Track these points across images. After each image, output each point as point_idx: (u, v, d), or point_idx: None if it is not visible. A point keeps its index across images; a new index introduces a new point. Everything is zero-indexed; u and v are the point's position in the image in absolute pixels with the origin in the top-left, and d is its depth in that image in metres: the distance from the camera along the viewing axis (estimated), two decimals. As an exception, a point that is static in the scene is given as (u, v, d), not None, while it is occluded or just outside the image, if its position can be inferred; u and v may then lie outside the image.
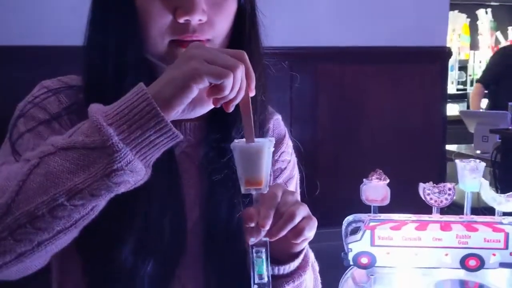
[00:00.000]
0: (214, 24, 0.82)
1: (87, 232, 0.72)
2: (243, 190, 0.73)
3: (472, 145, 3.27)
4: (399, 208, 1.04)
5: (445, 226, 1.02)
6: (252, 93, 0.73)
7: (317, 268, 1.01)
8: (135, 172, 0.66)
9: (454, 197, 1.04)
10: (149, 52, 0.82)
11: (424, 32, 2.41)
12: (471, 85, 5.93)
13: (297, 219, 0.74)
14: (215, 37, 0.83)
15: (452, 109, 4.75)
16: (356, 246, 1.02)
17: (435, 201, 1.04)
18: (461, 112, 3.96)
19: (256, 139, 0.73)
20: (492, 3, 6.15)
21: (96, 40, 0.84)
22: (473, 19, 6.15)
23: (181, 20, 0.79)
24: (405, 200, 1.07)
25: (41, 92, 0.85)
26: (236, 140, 0.74)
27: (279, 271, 0.83)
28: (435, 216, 1.04)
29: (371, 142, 2.37)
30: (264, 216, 0.71)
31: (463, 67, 6.01)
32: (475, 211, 1.07)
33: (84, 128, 0.66)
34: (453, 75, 5.87)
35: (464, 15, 6.07)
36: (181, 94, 0.66)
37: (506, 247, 1.00)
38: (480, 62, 5.93)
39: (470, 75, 6.00)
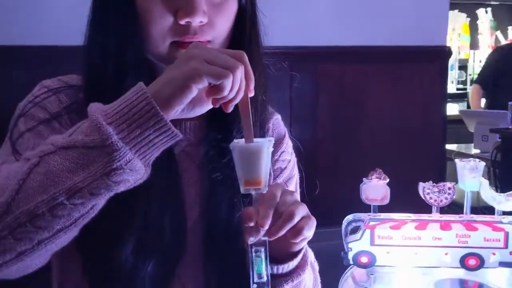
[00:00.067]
0: (215, 25, 0.82)
1: (88, 231, 0.72)
2: (242, 190, 0.73)
3: (472, 144, 3.27)
4: (399, 207, 1.04)
5: (445, 226, 1.02)
6: (251, 94, 0.73)
7: (316, 267, 1.01)
8: (134, 171, 0.66)
9: (454, 197, 1.04)
10: (150, 52, 0.82)
11: (424, 32, 2.41)
12: (471, 84, 5.93)
13: (296, 219, 0.74)
14: (216, 38, 0.83)
15: (452, 109, 4.76)
16: (356, 245, 1.02)
17: (435, 200, 1.04)
18: (461, 111, 3.96)
19: (255, 139, 0.73)
20: (492, 3, 6.15)
21: (96, 40, 0.84)
22: (473, 19, 6.15)
23: (182, 22, 0.79)
24: (405, 200, 1.07)
25: (42, 92, 0.86)
26: (235, 140, 0.74)
27: (278, 270, 0.83)
28: (435, 215, 1.04)
29: (371, 141, 2.37)
30: (263, 215, 0.71)
31: (463, 66, 6.01)
32: (475, 210, 1.07)
33: (84, 127, 0.67)
34: (453, 74, 5.87)
35: (464, 15, 6.07)
36: (181, 94, 0.67)
37: (506, 246, 1.01)
38: (480, 61, 5.92)
39: (470, 75, 6.00)
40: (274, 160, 0.99)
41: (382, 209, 1.04)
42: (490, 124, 2.99)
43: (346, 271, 1.06)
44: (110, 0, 0.82)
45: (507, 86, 3.79)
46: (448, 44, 2.57)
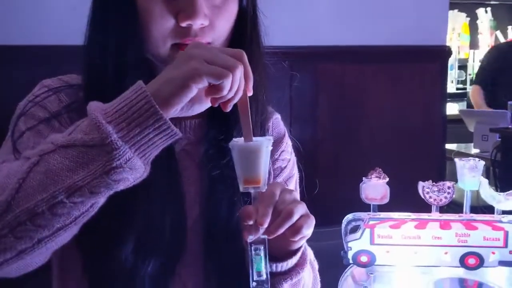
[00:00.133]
0: (215, 28, 0.82)
1: (88, 230, 0.72)
2: (241, 188, 0.74)
3: (472, 144, 3.27)
4: (399, 206, 1.04)
5: (445, 225, 1.02)
6: (250, 93, 0.73)
7: (316, 266, 1.01)
8: (134, 170, 0.67)
9: (454, 196, 1.04)
10: (150, 53, 0.83)
11: (424, 31, 2.41)
12: (471, 84, 5.92)
13: (295, 217, 0.74)
14: (216, 40, 0.83)
15: (452, 108, 4.75)
16: (355, 244, 1.02)
17: (435, 199, 1.04)
18: (460, 111, 3.95)
19: (254, 138, 0.73)
20: (492, 2, 6.15)
21: (96, 39, 0.85)
22: (473, 18, 6.15)
23: (184, 24, 0.79)
24: (405, 199, 1.07)
25: (42, 91, 0.86)
26: (234, 139, 0.74)
27: (277, 268, 0.83)
28: (435, 214, 1.05)
29: (371, 141, 2.37)
30: (262, 214, 0.72)
31: (462, 66, 6.01)
32: (474, 209, 1.07)
33: (83, 126, 0.67)
34: (452, 74, 5.86)
35: (463, 14, 6.07)
36: (180, 93, 0.67)
37: (506, 246, 1.01)
38: (480, 61, 5.92)
39: (469, 74, 6.00)
40: (274, 159, 0.99)
41: (381, 208, 1.05)
42: (490, 123, 2.99)
43: (346, 270, 1.06)
44: (111, 0, 0.83)
45: (506, 85, 3.79)
46: (448, 44, 2.57)
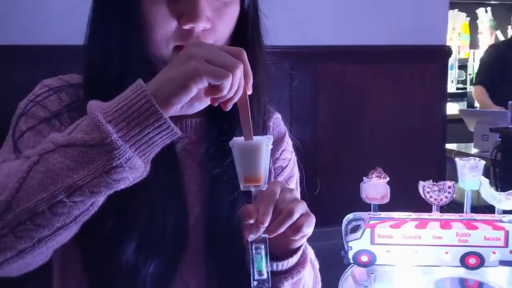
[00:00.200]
0: (217, 30, 0.82)
1: (89, 230, 0.72)
2: (242, 187, 0.74)
3: (472, 144, 3.27)
4: (399, 206, 1.04)
5: (445, 224, 1.02)
6: (249, 91, 0.73)
7: (317, 266, 1.01)
8: (134, 169, 0.67)
9: (454, 195, 1.04)
10: (151, 54, 0.82)
11: (424, 31, 2.41)
12: (471, 84, 5.92)
13: (296, 216, 0.74)
14: (217, 41, 0.83)
15: (452, 108, 4.75)
16: (356, 244, 1.02)
17: (435, 199, 1.04)
18: (461, 111, 3.95)
19: (254, 137, 0.73)
20: (492, 2, 6.15)
21: (97, 39, 0.85)
22: (473, 18, 6.15)
23: (186, 27, 0.79)
24: (405, 199, 1.07)
25: (42, 91, 0.86)
26: (235, 138, 0.74)
27: (278, 267, 0.83)
28: (435, 214, 1.05)
29: (371, 141, 2.36)
30: (263, 213, 0.72)
31: (463, 66, 6.01)
32: (475, 209, 1.07)
33: (83, 125, 0.67)
34: (453, 74, 5.86)
35: (464, 14, 6.07)
36: (180, 93, 0.67)
37: (506, 245, 1.01)
38: (479, 61, 5.92)
39: (470, 74, 5.99)
40: (274, 158, 0.99)
41: (382, 208, 1.05)
42: (490, 123, 2.98)
43: (347, 270, 1.06)
44: (112, 1, 0.82)
45: (507, 83, 3.78)
46: (448, 44, 2.57)
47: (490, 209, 1.08)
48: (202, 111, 0.79)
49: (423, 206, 1.05)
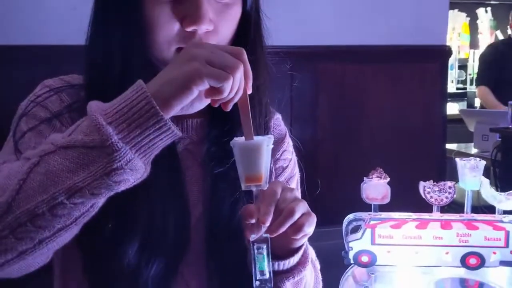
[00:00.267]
0: (219, 32, 0.82)
1: (90, 232, 0.72)
2: (243, 186, 0.74)
3: (472, 144, 3.26)
4: (400, 206, 1.04)
5: (446, 225, 1.02)
6: (249, 91, 0.73)
7: (318, 266, 1.01)
8: (135, 170, 0.67)
9: (455, 196, 1.04)
10: (154, 56, 0.82)
11: (424, 31, 2.41)
12: (471, 84, 5.92)
13: (297, 215, 0.74)
14: (219, 43, 0.83)
15: (452, 108, 4.75)
16: (356, 244, 1.02)
17: (436, 199, 1.04)
18: (461, 111, 3.94)
19: (255, 137, 0.73)
20: (492, 2, 6.15)
21: (99, 40, 0.84)
22: (473, 18, 6.15)
23: (189, 29, 0.79)
24: (406, 199, 1.07)
25: (43, 91, 0.86)
26: (235, 138, 0.74)
27: (279, 267, 0.83)
28: (436, 214, 1.04)
29: (371, 141, 2.36)
30: (264, 212, 0.72)
31: (463, 66, 6.01)
32: (475, 209, 1.07)
33: (84, 127, 0.66)
34: (453, 74, 5.86)
35: (464, 14, 6.07)
36: (181, 95, 0.67)
37: (507, 246, 1.01)
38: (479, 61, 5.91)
39: (470, 74, 5.99)
40: (275, 159, 0.99)
41: (382, 208, 1.05)
42: (490, 123, 2.98)
43: (347, 270, 1.06)
44: (115, 2, 0.82)
45: (507, 82, 3.77)
46: (448, 44, 2.57)
47: (490, 209, 1.08)
48: (203, 111, 0.79)
49: (424, 206, 1.05)
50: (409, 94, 2.41)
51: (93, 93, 0.81)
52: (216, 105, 0.72)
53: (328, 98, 2.33)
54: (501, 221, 1.02)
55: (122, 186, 0.67)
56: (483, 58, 4.14)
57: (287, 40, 2.12)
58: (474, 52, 6.03)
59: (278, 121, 1.03)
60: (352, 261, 1.03)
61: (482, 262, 1.01)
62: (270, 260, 0.76)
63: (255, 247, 0.75)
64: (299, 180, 1.05)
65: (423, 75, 2.43)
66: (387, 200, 1.03)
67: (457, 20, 6.00)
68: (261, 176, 0.73)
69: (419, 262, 1.02)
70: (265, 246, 0.75)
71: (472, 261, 1.01)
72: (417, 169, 2.32)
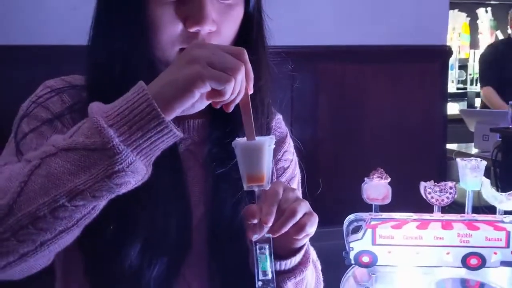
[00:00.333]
0: (222, 32, 0.82)
1: (91, 233, 0.72)
2: (245, 187, 0.74)
3: (473, 144, 3.26)
4: (400, 207, 1.04)
5: (447, 225, 1.02)
6: (250, 91, 0.73)
7: (319, 266, 1.01)
8: (136, 173, 0.66)
9: (455, 196, 1.04)
10: (156, 56, 0.82)
11: (425, 31, 2.41)
12: (471, 84, 5.92)
13: (299, 215, 0.75)
14: (221, 43, 0.83)
15: (452, 108, 4.75)
16: (357, 245, 1.02)
17: (436, 199, 1.04)
18: (461, 111, 3.94)
19: (257, 137, 0.73)
20: (492, 2, 6.15)
21: (101, 41, 0.84)
22: (473, 18, 6.15)
23: (192, 30, 0.79)
24: (406, 199, 1.07)
25: (44, 92, 0.85)
26: (237, 138, 0.74)
27: (281, 267, 0.83)
28: (436, 215, 1.04)
29: (372, 141, 2.36)
30: (267, 213, 0.72)
31: (463, 66, 6.01)
32: (476, 209, 1.07)
33: (85, 129, 0.66)
34: (453, 74, 5.86)
35: (464, 14, 6.07)
36: (182, 97, 0.66)
37: (508, 246, 1.00)
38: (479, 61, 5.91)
39: (470, 74, 6.00)
40: (276, 159, 0.99)
41: (383, 208, 1.04)
42: (490, 123, 2.98)
43: (348, 270, 1.06)
44: (117, 2, 0.82)
45: (509, 82, 3.77)
46: (448, 44, 2.57)
47: (491, 209, 1.07)
48: (205, 112, 0.79)
49: (424, 206, 1.05)
50: (409, 94, 2.41)
51: (95, 93, 0.81)
52: (218, 107, 0.72)
53: (328, 98, 2.33)
54: (502, 222, 1.02)
55: (123, 189, 0.67)
56: (483, 59, 4.13)
57: (287, 40, 2.12)
58: (474, 52, 6.04)
59: (279, 122, 1.03)
60: (353, 262, 1.03)
61: (483, 262, 1.01)
62: (273, 260, 0.76)
63: (257, 247, 0.75)
64: (300, 181, 1.05)
65: (423, 75, 2.43)
66: (388, 201, 1.03)
67: (457, 20, 6.00)
68: (263, 176, 0.73)
69: (420, 262, 1.02)
70: (267, 246, 0.75)
71: (473, 261, 1.01)
72: (418, 169, 2.32)
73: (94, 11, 0.85)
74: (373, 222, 1.02)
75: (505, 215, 1.04)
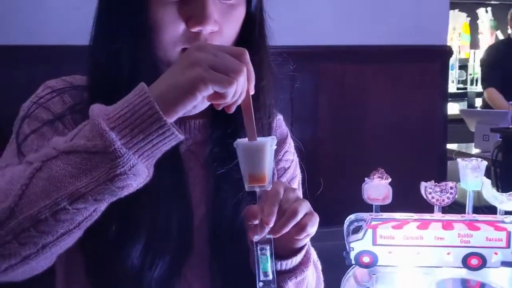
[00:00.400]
0: (224, 33, 0.82)
1: (93, 235, 0.72)
2: (247, 187, 0.74)
3: (473, 144, 3.26)
4: (401, 207, 1.04)
5: (447, 225, 1.02)
6: (252, 92, 0.73)
7: (319, 267, 1.01)
8: (138, 175, 0.66)
9: (456, 196, 1.04)
10: (159, 57, 0.82)
11: (425, 31, 2.41)
12: (471, 84, 5.92)
13: (300, 216, 0.75)
14: (223, 44, 0.83)
15: (453, 108, 4.75)
16: (358, 245, 1.02)
17: (437, 200, 1.04)
18: (461, 111, 3.94)
19: (258, 138, 0.73)
20: (492, 2, 6.15)
21: (103, 41, 0.84)
22: (473, 18, 6.15)
23: (194, 30, 0.79)
24: (407, 199, 1.07)
25: (45, 93, 0.85)
26: (239, 139, 0.74)
27: (282, 266, 0.83)
28: (437, 215, 1.04)
29: (372, 141, 2.36)
30: (268, 213, 0.72)
31: (463, 66, 6.01)
32: (476, 210, 1.07)
33: (86, 131, 0.66)
34: (453, 74, 5.86)
35: (464, 14, 6.07)
36: (184, 101, 0.66)
37: (508, 246, 1.00)
38: (481, 62, 5.90)
39: (470, 74, 6.00)
40: (277, 160, 0.99)
41: (384, 208, 1.04)
42: (490, 123, 2.98)
43: (348, 271, 1.06)
44: (119, 3, 0.82)
45: (509, 82, 3.76)
46: (448, 44, 2.56)
47: (491, 209, 1.07)
48: (206, 112, 0.79)
49: (425, 207, 1.05)
50: (410, 94, 2.41)
51: (97, 94, 0.81)
52: (220, 108, 0.72)
53: (328, 98, 2.33)
54: (503, 222, 1.02)
55: (125, 191, 0.67)
56: (485, 60, 4.13)
57: (286, 40, 2.11)
58: (474, 52, 6.04)
59: (279, 122, 1.03)
60: (353, 262, 1.03)
61: (483, 262, 1.01)
62: (274, 260, 0.76)
63: (258, 248, 0.75)
64: (300, 181, 1.05)
65: (424, 75, 2.43)
66: (388, 201, 1.03)
67: (458, 20, 6.00)
68: (265, 177, 0.73)
69: (420, 262, 1.02)
70: (268, 247, 0.75)
71: (474, 261, 1.01)
72: (418, 169, 2.32)
73: (96, 11, 0.85)
74: (373, 222, 1.02)
75: (505, 215, 1.04)
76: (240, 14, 0.84)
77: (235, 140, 0.74)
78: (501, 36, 6.00)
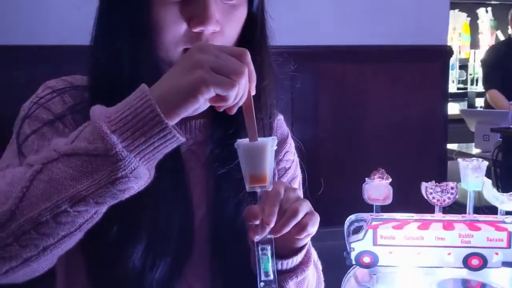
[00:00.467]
0: (225, 33, 0.82)
1: (94, 237, 0.72)
2: (247, 188, 0.74)
3: (473, 144, 3.26)
4: (401, 207, 1.04)
5: (448, 225, 1.02)
6: (253, 92, 0.73)
7: (320, 267, 1.01)
8: (139, 178, 0.66)
9: (457, 196, 1.04)
10: (160, 57, 0.82)
11: (425, 31, 2.41)
12: (472, 84, 5.92)
13: (300, 215, 0.74)
14: (224, 44, 0.82)
15: (453, 108, 4.75)
16: (358, 245, 1.02)
17: (438, 200, 1.04)
18: (461, 111, 3.93)
19: (259, 138, 0.73)
20: (493, 2, 6.15)
21: (104, 41, 0.84)
22: (474, 18, 6.15)
23: (196, 30, 0.79)
24: (407, 199, 1.07)
25: (46, 93, 0.85)
26: (240, 139, 0.74)
27: (283, 266, 0.83)
28: (438, 215, 1.04)
29: (373, 141, 2.36)
30: (269, 213, 0.72)
31: (463, 66, 6.01)
32: (477, 210, 1.07)
33: (87, 133, 0.66)
34: (453, 74, 5.86)
35: (464, 14, 6.07)
36: (186, 103, 0.66)
37: (509, 246, 1.00)
38: (482, 63, 5.90)
39: (470, 74, 6.00)
40: (278, 160, 0.99)
41: (384, 209, 1.04)
42: (491, 123, 2.98)
43: (349, 271, 1.06)
44: (121, 3, 0.82)
45: (510, 82, 3.76)
46: (448, 44, 2.56)
47: (492, 210, 1.07)
48: (207, 112, 0.78)
49: (426, 207, 1.05)
50: (410, 94, 2.41)
51: (98, 94, 0.80)
52: (221, 110, 0.72)
53: (328, 98, 2.33)
54: (503, 222, 1.02)
55: (126, 194, 0.67)
56: (486, 62, 4.13)
57: (287, 40, 2.11)
58: (474, 52, 6.04)
59: (280, 122, 1.03)
60: (354, 262, 1.03)
61: (484, 263, 1.01)
62: (275, 260, 0.76)
63: (259, 248, 0.75)
64: (301, 181, 1.05)
65: (424, 75, 2.43)
66: (389, 201, 1.03)
67: (458, 20, 5.99)
68: (266, 177, 0.73)
69: (421, 263, 1.02)
70: (269, 247, 0.75)
71: (474, 262, 1.01)
72: (418, 169, 2.32)
73: (97, 11, 0.85)
74: (374, 223, 1.02)
75: (506, 216, 1.04)
76: (241, 14, 0.84)
77: (236, 140, 0.74)
78: (501, 36, 5.99)
